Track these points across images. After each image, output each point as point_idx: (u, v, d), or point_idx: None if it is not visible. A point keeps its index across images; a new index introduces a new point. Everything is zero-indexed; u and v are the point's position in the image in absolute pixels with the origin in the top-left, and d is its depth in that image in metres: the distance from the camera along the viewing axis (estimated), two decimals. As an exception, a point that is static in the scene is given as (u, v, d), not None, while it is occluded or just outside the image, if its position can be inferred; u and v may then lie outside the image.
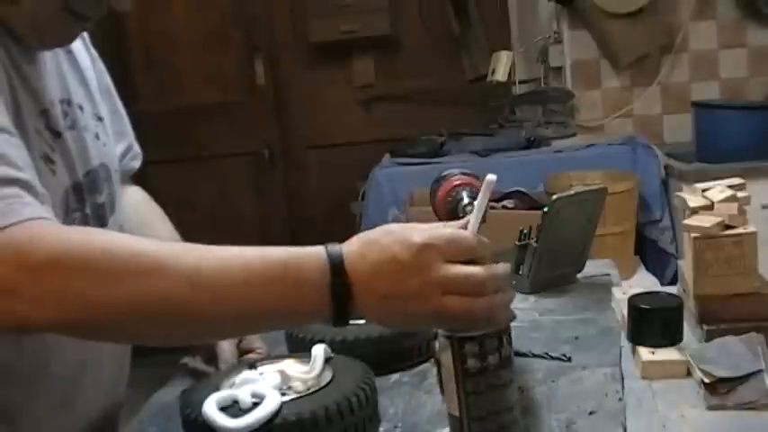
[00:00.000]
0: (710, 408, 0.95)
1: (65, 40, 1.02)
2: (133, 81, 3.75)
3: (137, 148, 1.30)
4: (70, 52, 1.08)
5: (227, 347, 1.12)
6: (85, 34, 1.15)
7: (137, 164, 1.30)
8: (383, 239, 0.78)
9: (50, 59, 1.02)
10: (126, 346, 1.18)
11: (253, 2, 3.93)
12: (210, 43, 3.97)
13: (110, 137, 1.15)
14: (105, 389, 1.12)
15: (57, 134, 0.99)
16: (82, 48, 1.13)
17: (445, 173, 1.04)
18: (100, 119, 1.12)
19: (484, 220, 0.87)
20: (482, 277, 0.76)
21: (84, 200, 1.03)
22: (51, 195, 0.92)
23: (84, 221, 1.02)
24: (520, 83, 3.42)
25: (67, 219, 0.98)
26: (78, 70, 1.10)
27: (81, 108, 1.07)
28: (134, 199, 1.31)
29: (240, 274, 0.77)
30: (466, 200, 0.98)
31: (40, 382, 0.99)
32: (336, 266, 0.77)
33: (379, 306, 0.77)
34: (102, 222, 1.06)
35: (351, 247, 0.79)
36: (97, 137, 1.09)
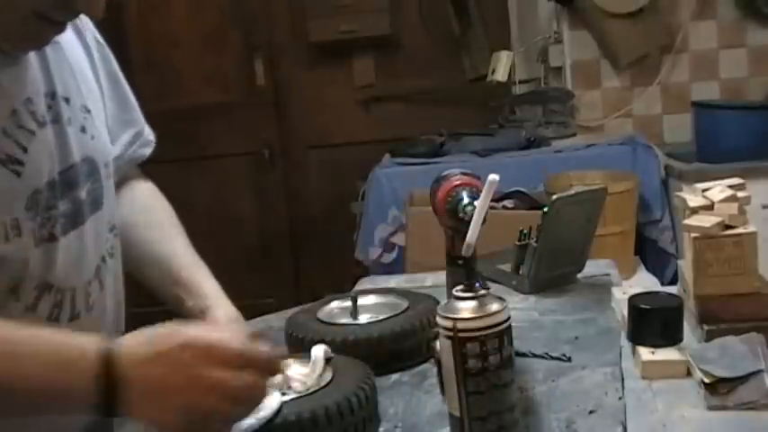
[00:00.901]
0: (710, 408, 0.95)
1: (38, 44, 0.99)
2: (133, 81, 3.70)
3: (148, 135, 1.27)
4: (56, 43, 1.04)
5: None
6: (87, 21, 1.13)
7: (147, 151, 1.27)
8: (157, 338, 0.82)
9: (34, 53, 1.00)
10: None
11: (252, 2, 3.93)
12: (210, 43, 3.97)
13: (99, 129, 1.11)
14: None
15: (31, 132, 0.96)
16: (73, 37, 1.10)
17: (445, 173, 1.04)
18: (88, 111, 1.08)
19: (484, 220, 0.88)
20: (230, 385, 0.80)
21: (57, 197, 1.00)
22: (11, 197, 0.92)
23: (56, 220, 0.99)
24: (520, 83, 3.42)
25: (37, 218, 0.96)
26: (65, 61, 1.06)
27: (67, 100, 1.04)
28: (145, 193, 1.29)
29: (20, 349, 0.81)
30: (466, 200, 0.98)
31: None
32: (105, 359, 0.80)
33: (146, 401, 0.80)
34: (78, 219, 1.04)
35: (126, 342, 0.83)
36: (83, 130, 1.06)
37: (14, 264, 0.93)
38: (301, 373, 0.96)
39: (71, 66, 1.08)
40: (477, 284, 0.85)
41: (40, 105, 0.99)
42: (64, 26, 0.98)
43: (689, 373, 1.03)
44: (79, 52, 1.12)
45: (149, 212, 1.27)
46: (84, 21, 1.13)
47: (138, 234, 1.23)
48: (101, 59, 1.18)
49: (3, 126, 0.93)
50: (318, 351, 0.98)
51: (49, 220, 0.98)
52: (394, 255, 2.87)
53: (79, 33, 1.12)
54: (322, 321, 1.17)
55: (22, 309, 0.96)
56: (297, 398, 0.91)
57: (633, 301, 1.12)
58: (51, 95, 1.02)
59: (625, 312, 1.15)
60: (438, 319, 0.86)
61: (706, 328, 1.10)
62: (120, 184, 1.26)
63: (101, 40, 1.18)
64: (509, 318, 0.85)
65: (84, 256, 1.04)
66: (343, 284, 1.85)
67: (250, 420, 0.86)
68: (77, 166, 1.04)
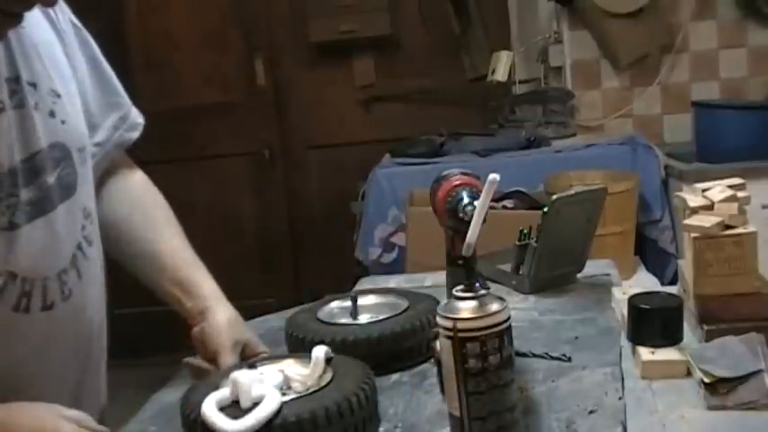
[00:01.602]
0: (710, 408, 0.95)
1: None
2: (133, 81, 3.73)
3: (135, 118, 1.24)
4: (21, 27, 1.01)
5: (228, 357, 1.11)
6: (61, 4, 1.11)
7: (134, 135, 1.24)
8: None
9: None
10: (93, 342, 1.13)
11: (252, 2, 3.93)
12: (210, 43, 3.97)
13: (70, 113, 1.08)
14: (70, 394, 1.07)
15: None
16: (42, 21, 1.07)
17: (445, 173, 1.04)
18: (58, 95, 1.06)
19: (484, 220, 0.88)
20: None
21: (19, 185, 0.98)
22: None
23: (16, 208, 0.97)
24: (520, 83, 3.43)
25: None
26: (31, 45, 1.03)
27: (33, 85, 1.01)
28: (138, 186, 1.28)
29: None
30: (466, 200, 0.98)
31: None
32: None
33: None
34: (46, 206, 1.01)
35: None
36: (52, 114, 1.04)
37: None
38: (301, 374, 0.96)
39: (38, 50, 1.05)
40: (477, 284, 0.85)
41: (6, 89, 0.97)
42: (21, 18, 0.96)
43: (689, 373, 1.03)
44: (49, 36, 1.09)
45: (145, 209, 1.25)
46: (59, 4, 1.10)
47: (135, 233, 1.22)
48: (79, 43, 1.15)
49: None
50: (320, 353, 0.98)
51: (9, 208, 0.96)
52: (394, 255, 2.87)
53: (49, 17, 1.10)
54: (322, 321, 1.17)
55: None
56: (297, 398, 0.91)
57: (633, 301, 1.12)
58: (15, 80, 0.99)
59: (625, 312, 1.15)
60: (438, 319, 0.86)
61: (706, 328, 1.10)
62: (111, 172, 1.24)
63: (77, 23, 1.16)
64: (509, 318, 0.85)
65: (55, 243, 1.02)
66: (343, 284, 1.85)
67: (250, 420, 0.86)
68: (44, 152, 1.02)
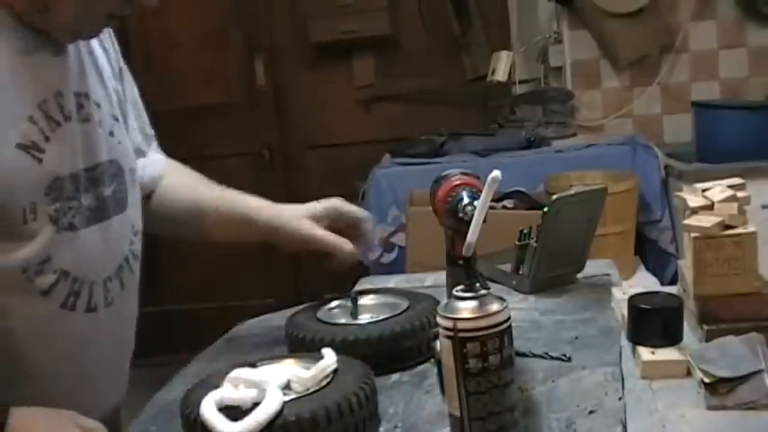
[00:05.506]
0: (710, 408, 0.95)
1: (93, 36, 1.08)
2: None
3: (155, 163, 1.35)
4: (92, 53, 1.12)
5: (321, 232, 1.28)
6: (116, 46, 1.21)
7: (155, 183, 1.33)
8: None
9: (73, 54, 1.06)
10: (124, 348, 1.20)
11: (252, 2, 3.93)
12: (210, 44, 3.97)
13: (124, 136, 1.17)
14: (99, 390, 1.12)
15: (56, 123, 1.01)
16: (102, 54, 1.16)
17: (445, 173, 1.04)
18: (116, 119, 1.15)
19: (484, 220, 0.88)
20: None
21: (80, 191, 1.04)
22: (32, 183, 0.97)
23: (76, 211, 1.03)
24: (520, 83, 3.43)
25: (57, 204, 1.00)
26: (98, 72, 1.13)
27: (98, 105, 1.10)
28: (178, 172, 1.40)
29: None
30: (466, 200, 0.98)
31: (12, 381, 1.00)
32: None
33: None
34: (102, 215, 1.08)
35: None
36: (112, 134, 1.12)
37: (31, 246, 0.97)
38: (302, 376, 0.96)
39: (103, 78, 1.14)
40: (477, 284, 0.85)
41: (69, 101, 1.04)
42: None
43: (689, 373, 1.03)
44: (107, 68, 1.17)
45: (183, 181, 1.41)
46: (106, 35, 1.18)
47: (176, 196, 1.35)
48: (127, 83, 1.24)
49: (30, 113, 0.98)
50: (329, 361, 0.97)
51: (70, 209, 1.02)
52: (394, 255, 2.87)
53: (108, 55, 1.18)
54: (322, 321, 1.17)
55: (36, 293, 0.99)
56: (297, 398, 0.91)
57: (633, 301, 1.12)
58: (85, 95, 1.07)
59: (625, 312, 1.15)
60: (438, 319, 0.86)
61: (706, 328, 1.10)
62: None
63: (124, 65, 1.24)
64: (509, 318, 0.85)
65: (106, 251, 1.08)
66: (343, 284, 1.85)
67: (250, 422, 0.86)
68: (104, 165, 1.09)
